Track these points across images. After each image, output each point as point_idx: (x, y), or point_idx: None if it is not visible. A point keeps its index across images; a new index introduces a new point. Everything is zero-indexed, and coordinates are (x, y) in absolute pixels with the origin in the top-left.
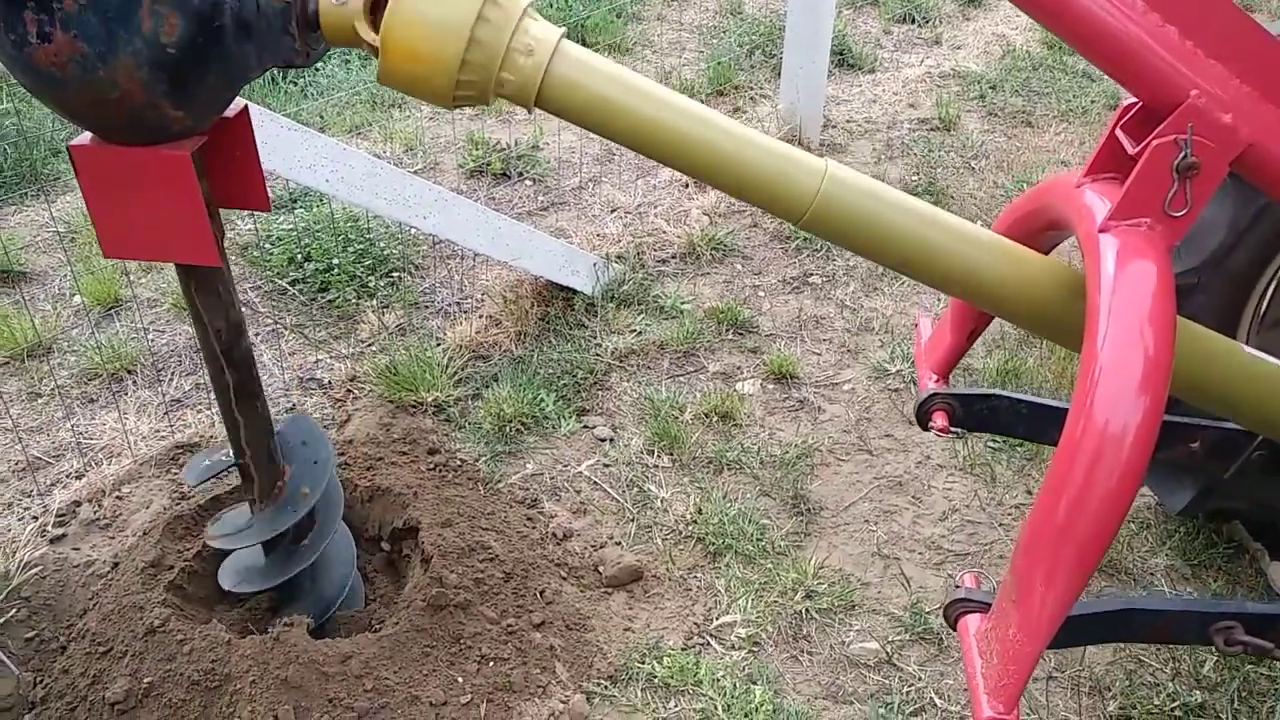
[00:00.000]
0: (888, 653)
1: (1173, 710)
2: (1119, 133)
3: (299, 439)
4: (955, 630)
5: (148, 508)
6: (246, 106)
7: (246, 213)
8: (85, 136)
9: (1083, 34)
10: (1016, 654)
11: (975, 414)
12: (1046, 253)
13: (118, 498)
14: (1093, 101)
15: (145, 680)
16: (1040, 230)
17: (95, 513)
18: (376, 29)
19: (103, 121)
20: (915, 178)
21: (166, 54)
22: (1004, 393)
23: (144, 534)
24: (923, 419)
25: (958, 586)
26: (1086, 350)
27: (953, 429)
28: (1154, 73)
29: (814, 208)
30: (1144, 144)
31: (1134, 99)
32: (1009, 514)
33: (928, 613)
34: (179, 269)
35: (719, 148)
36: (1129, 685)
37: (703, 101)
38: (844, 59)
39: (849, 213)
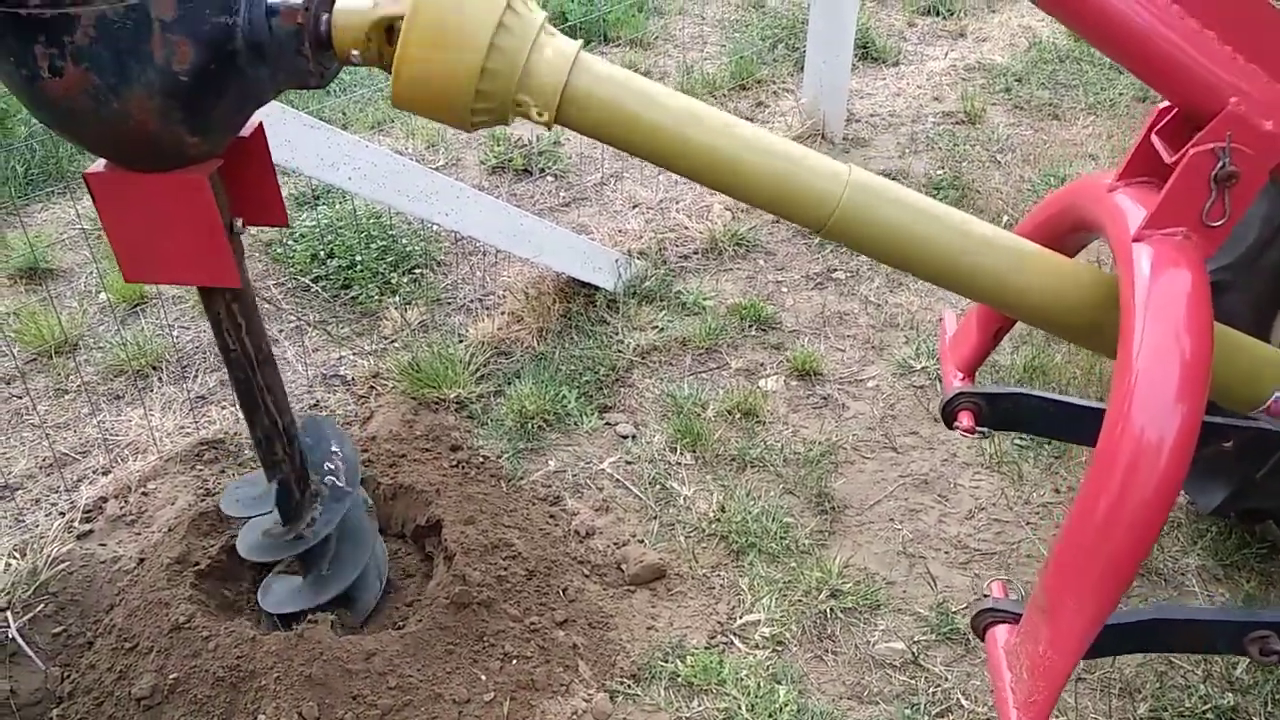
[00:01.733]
0: (914, 653)
1: (1204, 713)
2: (1154, 139)
3: (317, 439)
4: (983, 641)
5: (173, 504)
6: (261, 124)
7: None
8: (100, 164)
9: (1117, 40)
10: (1047, 670)
11: (1002, 413)
12: (1074, 254)
13: (143, 494)
14: (1120, 94)
15: (171, 676)
16: (1068, 232)
17: (121, 509)
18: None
19: (119, 151)
20: (940, 172)
21: (179, 82)
22: (1032, 392)
23: (169, 530)
24: (948, 418)
25: (985, 596)
26: (1121, 359)
27: (978, 428)
28: (1192, 79)
29: (835, 217)
30: (1181, 153)
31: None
32: (1036, 512)
33: (954, 612)
34: (202, 292)
35: (740, 158)
36: (1160, 687)
37: (725, 96)
38: (867, 52)
39: (872, 222)
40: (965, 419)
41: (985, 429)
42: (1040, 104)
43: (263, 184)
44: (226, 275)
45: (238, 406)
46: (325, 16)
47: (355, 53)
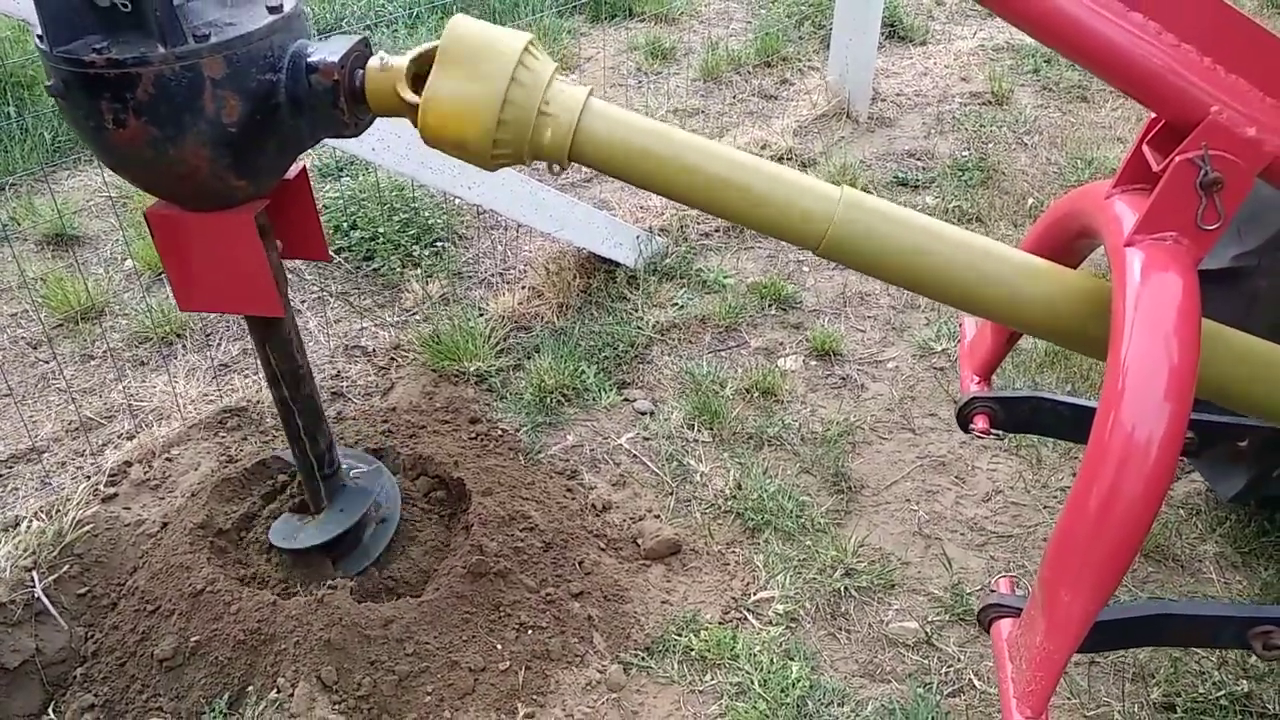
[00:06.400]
0: (927, 633)
1: (1218, 699)
2: (1145, 148)
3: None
4: (989, 635)
5: (196, 469)
6: (305, 167)
7: None
8: (159, 202)
9: (1098, 58)
10: (1044, 661)
11: (1017, 416)
12: (1079, 260)
13: (167, 459)
14: None
15: (192, 639)
16: (1072, 239)
17: (145, 473)
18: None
19: (174, 193)
20: (965, 153)
21: (228, 133)
22: (1047, 395)
23: (192, 495)
24: (964, 422)
25: (992, 591)
26: (1111, 361)
27: (993, 431)
28: (1173, 91)
29: (829, 236)
30: (1166, 161)
31: None
32: (1054, 496)
33: (969, 594)
34: (249, 320)
35: (739, 184)
36: (1174, 673)
37: (750, 73)
38: (894, 30)
39: (864, 239)
40: (980, 422)
41: (999, 432)
42: (1069, 86)
43: (305, 221)
44: (271, 306)
45: (260, 372)
46: (360, 72)
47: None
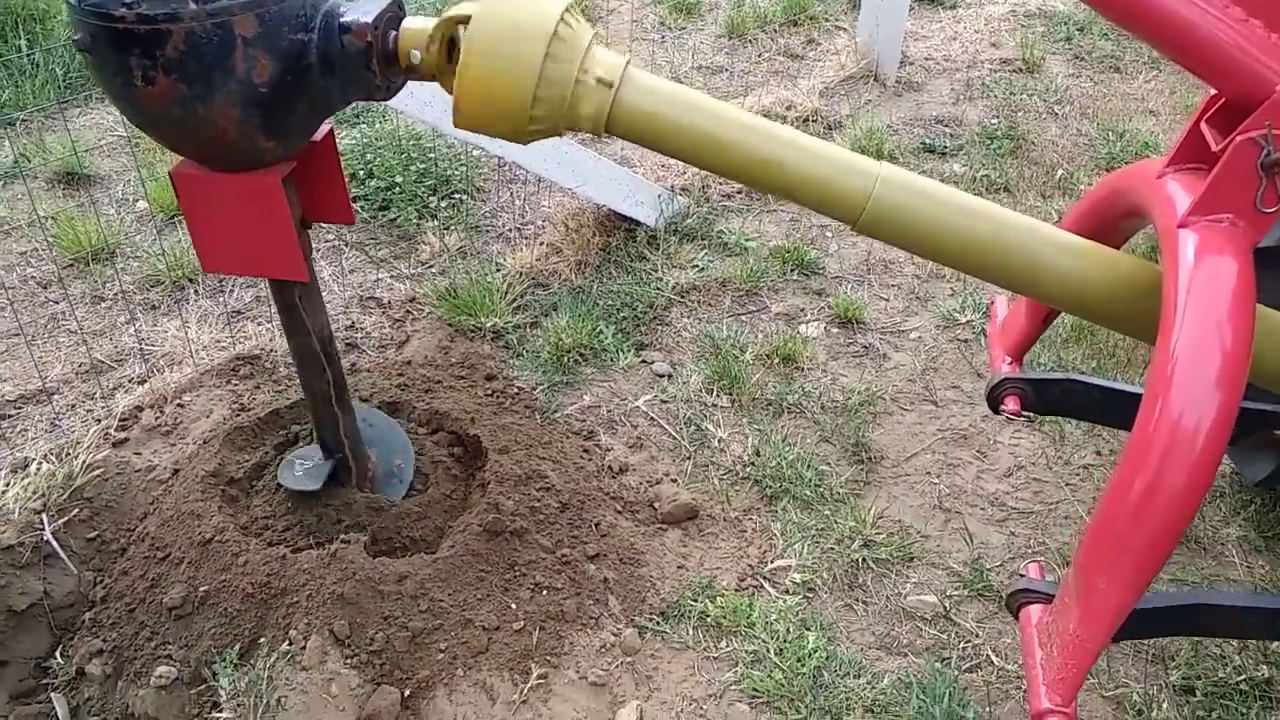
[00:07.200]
0: (945, 607)
1: (1238, 684)
2: (1204, 126)
3: (366, 423)
4: (1017, 620)
5: (208, 416)
6: (332, 130)
7: None
8: (185, 162)
9: (1161, 31)
10: (1076, 649)
11: (1048, 398)
12: (1124, 240)
13: (179, 405)
14: None
15: (202, 588)
16: (1119, 218)
17: (157, 419)
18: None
19: (202, 152)
20: (994, 120)
21: (259, 92)
22: (1079, 377)
23: (204, 443)
24: (994, 403)
25: (1021, 576)
26: (1160, 346)
27: (1024, 413)
28: (1237, 68)
29: (867, 211)
30: (1227, 141)
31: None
32: (1077, 474)
33: (988, 569)
34: (272, 284)
35: (777, 159)
36: (1194, 656)
37: (776, 31)
38: None
39: (903, 215)
40: (1011, 403)
41: (1030, 414)
42: (1102, 55)
43: (331, 184)
44: (296, 270)
45: (274, 320)
46: (393, 34)
47: (416, 53)
